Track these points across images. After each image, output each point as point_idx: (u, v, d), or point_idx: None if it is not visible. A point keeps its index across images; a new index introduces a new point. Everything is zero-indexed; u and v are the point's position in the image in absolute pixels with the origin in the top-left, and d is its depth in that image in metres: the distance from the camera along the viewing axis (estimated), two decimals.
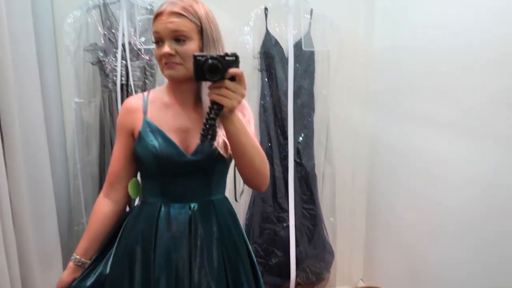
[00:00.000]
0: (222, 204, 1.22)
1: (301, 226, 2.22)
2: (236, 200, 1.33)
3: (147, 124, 1.14)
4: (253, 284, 1.22)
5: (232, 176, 1.26)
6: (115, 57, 2.01)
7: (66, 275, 1.19)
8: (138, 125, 1.15)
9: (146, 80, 2.07)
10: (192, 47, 1.06)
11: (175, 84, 1.15)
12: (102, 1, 2.02)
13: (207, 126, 0.93)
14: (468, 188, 1.48)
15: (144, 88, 2.07)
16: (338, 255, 2.37)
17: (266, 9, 2.12)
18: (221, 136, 1.08)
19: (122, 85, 2.03)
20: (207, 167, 1.16)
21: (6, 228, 1.64)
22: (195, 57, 0.92)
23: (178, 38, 1.06)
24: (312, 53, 2.17)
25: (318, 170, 2.28)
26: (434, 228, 1.70)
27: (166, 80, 1.17)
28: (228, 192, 1.43)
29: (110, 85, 2.04)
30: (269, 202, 2.18)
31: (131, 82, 2.02)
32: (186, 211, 1.16)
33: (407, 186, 1.93)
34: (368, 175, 2.40)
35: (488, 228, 1.39)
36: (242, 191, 1.35)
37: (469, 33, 1.46)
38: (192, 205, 1.17)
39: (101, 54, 2.03)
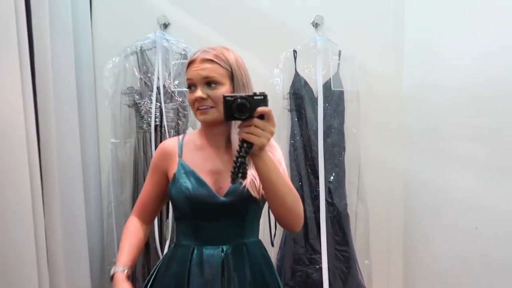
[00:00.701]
0: (255, 247, 1.21)
1: (335, 268, 2.15)
2: (272, 245, 1.31)
3: (182, 166, 1.17)
4: None
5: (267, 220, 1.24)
6: (150, 99, 2.11)
7: (127, 285, 1.13)
8: (173, 168, 1.18)
9: (179, 121, 2.14)
10: (223, 91, 1.10)
11: (208, 128, 1.19)
12: (140, 48, 2.14)
13: (237, 164, 0.95)
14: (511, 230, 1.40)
15: (177, 129, 2.13)
16: None
17: (295, 51, 2.17)
18: (250, 175, 1.09)
19: (156, 126, 2.11)
20: (239, 209, 1.16)
21: (41, 267, 1.67)
22: (225, 97, 0.95)
23: (210, 83, 1.11)
24: (341, 93, 2.19)
25: (351, 210, 2.23)
26: (476, 272, 1.60)
27: (197, 121, 1.20)
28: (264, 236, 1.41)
29: (145, 126, 2.11)
30: (300, 243, 2.14)
31: (164, 123, 2.09)
32: (219, 254, 1.15)
33: (446, 227, 1.85)
34: (404, 215, 2.32)
35: None
36: (274, 235, 1.33)
37: (499, 70, 1.44)
38: (224, 248, 1.16)
39: (137, 97, 2.13)
